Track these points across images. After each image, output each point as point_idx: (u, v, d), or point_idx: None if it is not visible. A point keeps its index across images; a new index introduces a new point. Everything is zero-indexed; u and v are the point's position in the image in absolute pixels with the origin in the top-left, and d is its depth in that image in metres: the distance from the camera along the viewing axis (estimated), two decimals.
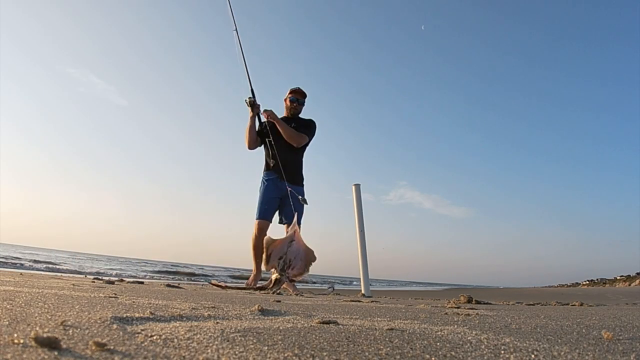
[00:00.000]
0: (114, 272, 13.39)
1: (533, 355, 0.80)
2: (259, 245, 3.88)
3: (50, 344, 0.65)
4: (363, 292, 4.00)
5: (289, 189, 3.92)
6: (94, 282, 3.32)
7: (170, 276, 15.02)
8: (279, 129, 4.11)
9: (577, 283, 33.59)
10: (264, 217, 4.00)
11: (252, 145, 4.16)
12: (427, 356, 0.77)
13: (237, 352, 0.72)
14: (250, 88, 4.11)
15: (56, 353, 0.62)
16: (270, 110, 4.17)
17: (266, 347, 0.77)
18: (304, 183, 4.22)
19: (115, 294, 1.85)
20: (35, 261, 14.56)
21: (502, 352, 0.82)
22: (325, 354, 0.75)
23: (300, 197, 3.90)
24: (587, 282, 32.26)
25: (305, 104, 4.36)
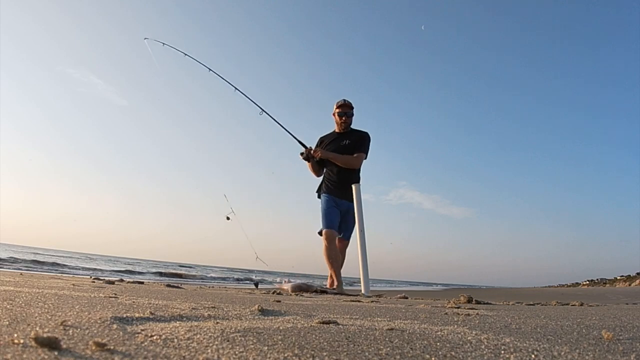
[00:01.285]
0: (114, 272, 13.37)
1: (533, 355, 0.80)
2: (331, 253, 4.13)
3: (50, 344, 0.65)
4: (363, 292, 4.00)
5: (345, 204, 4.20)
6: (94, 282, 3.32)
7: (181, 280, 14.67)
8: (335, 162, 4.28)
9: (577, 283, 33.60)
10: (331, 226, 4.17)
11: (318, 174, 4.51)
12: (427, 356, 0.77)
13: (237, 352, 0.72)
14: (300, 144, 4.41)
15: (56, 353, 0.62)
16: (320, 151, 4.32)
17: (266, 347, 0.77)
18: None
19: (115, 294, 1.86)
20: (38, 262, 14.49)
21: (502, 352, 0.82)
22: (325, 354, 0.75)
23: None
24: (587, 282, 32.27)
25: (354, 114, 4.40)
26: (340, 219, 4.26)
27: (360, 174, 4.37)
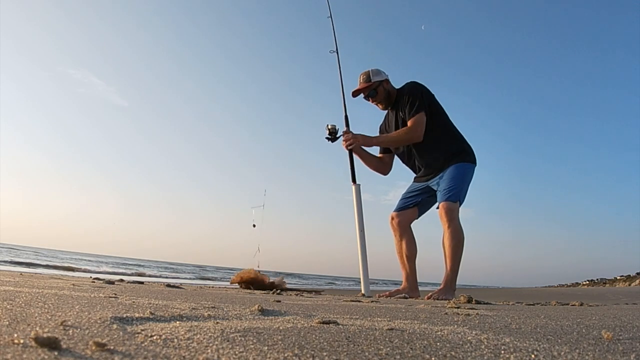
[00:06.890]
0: (114, 272, 13.33)
1: (533, 355, 0.80)
2: (397, 246, 3.77)
3: (50, 344, 0.65)
4: (363, 292, 4.00)
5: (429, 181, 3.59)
6: (94, 282, 3.32)
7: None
8: (391, 145, 3.61)
9: (577, 283, 33.59)
10: (395, 209, 3.79)
11: (384, 171, 3.79)
12: (427, 356, 0.77)
13: (237, 352, 0.72)
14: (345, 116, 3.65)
15: (56, 353, 0.62)
16: (359, 137, 3.52)
17: (266, 347, 0.77)
18: (453, 159, 3.39)
19: (115, 294, 1.85)
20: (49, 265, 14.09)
21: (502, 352, 0.82)
22: (325, 354, 0.75)
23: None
24: (587, 282, 32.26)
25: (377, 88, 3.44)
26: (417, 199, 3.71)
27: (441, 131, 3.42)
